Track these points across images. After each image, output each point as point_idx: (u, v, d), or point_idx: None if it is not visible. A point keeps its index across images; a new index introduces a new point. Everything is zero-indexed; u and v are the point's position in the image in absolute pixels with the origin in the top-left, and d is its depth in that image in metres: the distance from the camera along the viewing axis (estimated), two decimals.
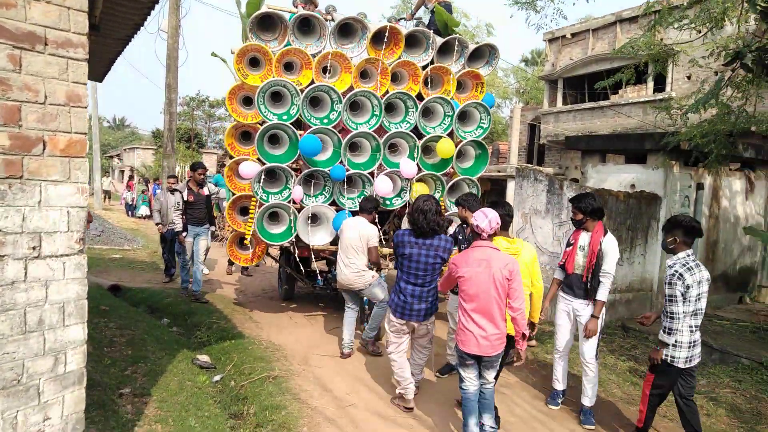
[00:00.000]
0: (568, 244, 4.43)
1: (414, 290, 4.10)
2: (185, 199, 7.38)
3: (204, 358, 5.29)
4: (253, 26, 5.80)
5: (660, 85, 14.76)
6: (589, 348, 4.26)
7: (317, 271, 6.49)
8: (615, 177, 7.80)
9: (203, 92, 43.55)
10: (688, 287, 3.55)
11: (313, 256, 6.26)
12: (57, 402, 2.53)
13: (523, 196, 7.44)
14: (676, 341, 3.65)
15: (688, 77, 13.63)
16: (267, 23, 5.97)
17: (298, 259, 6.36)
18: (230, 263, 9.58)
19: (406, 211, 6.27)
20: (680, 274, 3.58)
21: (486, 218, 3.52)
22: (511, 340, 3.74)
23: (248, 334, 5.98)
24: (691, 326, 3.64)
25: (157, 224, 8.67)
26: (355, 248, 5.22)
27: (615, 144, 7.97)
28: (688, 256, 3.68)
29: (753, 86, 4.94)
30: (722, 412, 4.60)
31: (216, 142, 43.57)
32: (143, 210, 20.56)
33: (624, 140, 8.15)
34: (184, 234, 7.38)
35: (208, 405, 4.18)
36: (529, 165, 16.87)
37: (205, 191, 7.59)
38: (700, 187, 7.40)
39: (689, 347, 3.66)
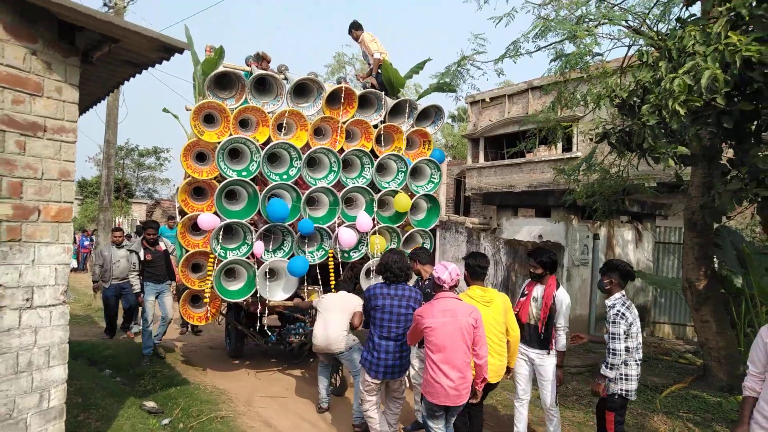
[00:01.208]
0: (522, 294, 4.52)
1: (388, 345, 4.11)
2: (143, 258, 7.23)
3: (151, 403, 5.54)
4: (210, 84, 5.92)
5: (569, 145, 16.53)
6: (550, 394, 4.40)
7: (268, 327, 6.35)
8: (526, 228, 8.86)
9: (132, 141, 42.55)
10: (630, 324, 3.82)
11: (265, 312, 6.22)
12: None
13: (446, 246, 8.30)
14: (627, 375, 3.88)
15: (591, 139, 15.41)
16: (224, 81, 6.15)
17: (248, 316, 6.41)
18: (183, 324, 9.17)
19: (365, 264, 6.64)
20: (622, 314, 3.84)
21: (446, 270, 3.63)
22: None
23: (193, 380, 6.29)
24: (636, 360, 3.90)
25: (94, 282, 8.33)
26: (341, 310, 5.20)
27: (524, 200, 9.11)
28: (623, 296, 3.97)
29: (618, 158, 6.09)
30: None
31: (145, 191, 42.67)
32: (71, 263, 19.81)
33: (531, 197, 9.31)
34: (142, 295, 7.21)
35: None
36: (456, 215, 18.09)
37: (162, 246, 7.47)
38: (596, 237, 8.58)
39: (637, 379, 3.94)
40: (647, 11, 6.72)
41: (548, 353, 4.39)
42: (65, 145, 3.02)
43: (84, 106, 5.01)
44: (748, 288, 6.61)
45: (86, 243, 19.36)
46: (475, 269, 4.07)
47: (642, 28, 6.81)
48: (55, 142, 2.97)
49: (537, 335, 4.39)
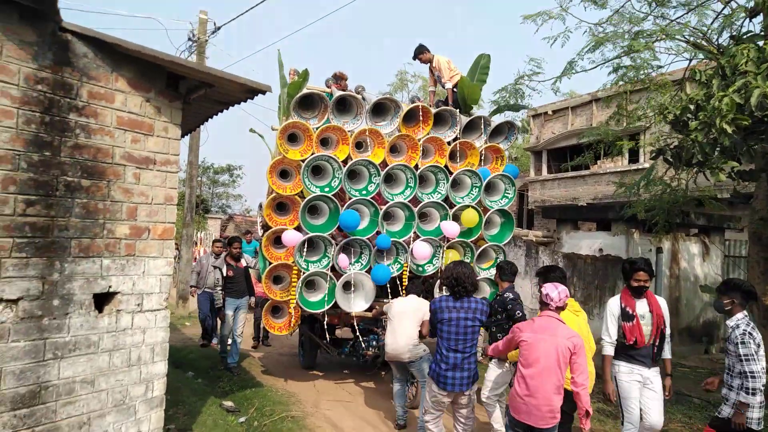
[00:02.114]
0: (628, 318, 4.14)
1: (456, 357, 4.06)
2: (225, 274, 7.52)
3: (229, 403, 6.12)
4: (296, 105, 6.22)
5: (635, 156, 16.16)
6: (661, 409, 4.14)
7: (342, 339, 6.61)
8: (586, 242, 8.89)
9: (208, 160, 44.90)
10: (759, 345, 3.62)
11: (339, 324, 6.42)
12: (146, 419, 3.46)
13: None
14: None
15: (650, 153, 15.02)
16: (307, 102, 6.45)
17: (325, 327, 6.67)
18: (255, 338, 9.52)
19: (438, 276, 6.53)
20: (749, 333, 3.64)
21: (556, 290, 3.60)
22: (565, 416, 3.75)
23: (266, 383, 6.84)
24: (762, 386, 3.63)
25: (192, 287, 8.94)
26: (410, 316, 5.20)
27: (584, 214, 9.13)
28: (746, 316, 3.76)
29: (676, 173, 6.09)
30: None
31: (219, 207, 45.06)
32: None
33: (591, 211, 9.31)
34: (223, 310, 7.54)
35: None
36: (518, 228, 18.04)
37: (242, 263, 7.71)
38: (659, 250, 8.47)
39: (761, 407, 3.65)
40: (706, 28, 6.70)
41: (658, 368, 4.22)
42: (170, 175, 3.59)
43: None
44: None
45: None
46: (556, 281, 3.88)
47: (703, 42, 6.81)
48: (162, 172, 3.54)
49: (653, 354, 4.14)
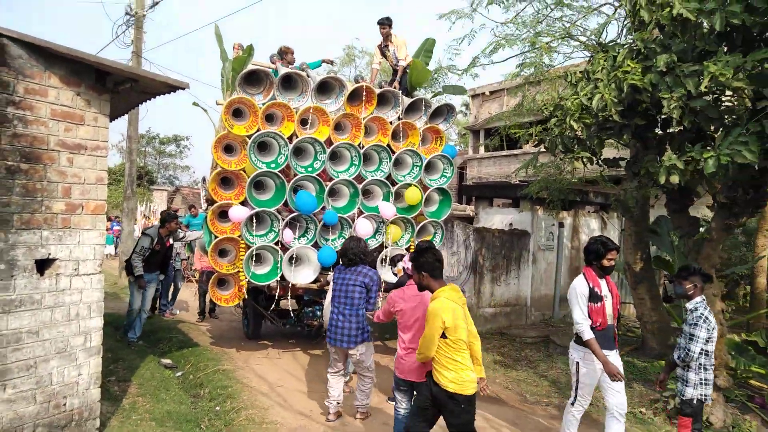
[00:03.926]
0: (596, 298, 4.00)
1: (340, 316, 4.67)
2: (153, 247, 7.35)
3: (167, 360, 6.79)
4: (241, 80, 6.29)
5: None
6: (624, 394, 4.12)
7: (290, 310, 6.84)
8: (499, 218, 9.88)
9: (154, 129, 43.90)
10: (713, 328, 3.91)
11: (287, 295, 6.61)
12: (86, 364, 4.10)
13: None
14: (706, 379, 3.94)
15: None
16: (252, 78, 6.50)
17: (267, 298, 7.03)
18: (200, 313, 9.61)
19: (381, 253, 6.96)
20: (705, 317, 3.91)
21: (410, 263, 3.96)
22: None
23: (202, 344, 7.52)
24: (712, 364, 3.97)
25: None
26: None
27: (497, 192, 10.11)
28: (704, 300, 4.05)
29: (559, 160, 7.06)
30: (546, 384, 6.52)
31: (165, 178, 44.39)
32: (108, 249, 18.85)
33: (503, 189, 10.30)
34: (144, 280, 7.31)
35: (174, 388, 5.75)
36: (457, 203, 19.08)
37: (170, 241, 7.86)
38: (561, 225, 9.56)
39: (704, 385, 3.98)
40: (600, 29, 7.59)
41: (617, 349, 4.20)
42: (100, 159, 4.16)
43: (111, 119, 6.15)
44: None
45: (116, 227, 19.84)
46: (434, 266, 3.58)
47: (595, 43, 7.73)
48: (93, 157, 4.11)
49: (614, 334, 4.14)
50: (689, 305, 4.05)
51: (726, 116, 4.87)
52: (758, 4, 4.15)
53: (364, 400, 5.04)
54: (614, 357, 4.07)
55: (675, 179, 4.57)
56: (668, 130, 5.64)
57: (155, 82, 4.14)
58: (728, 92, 4.88)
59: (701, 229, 6.12)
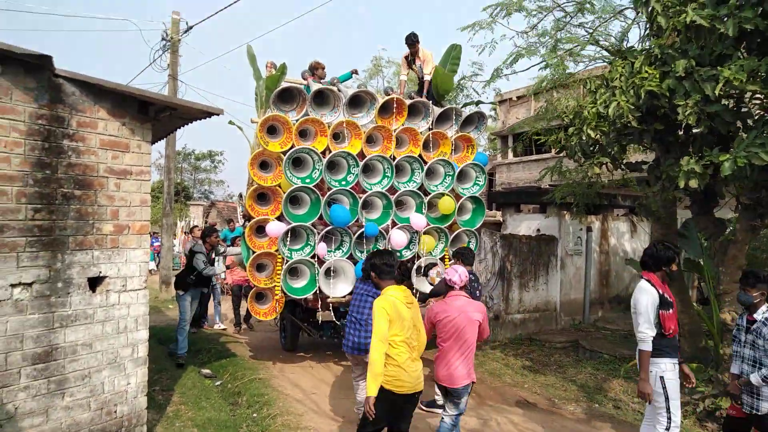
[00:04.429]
0: (668, 305, 3.84)
1: (354, 325, 4.80)
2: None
3: (206, 371, 7.12)
4: (275, 98, 6.45)
5: None
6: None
7: (322, 322, 6.74)
8: (526, 223, 9.94)
9: (189, 146, 45.21)
10: None
11: (321, 307, 6.57)
12: (134, 374, 4.42)
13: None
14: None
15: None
16: (285, 95, 6.67)
17: (305, 311, 7.01)
18: (237, 324, 9.83)
19: (417, 262, 7.01)
20: None
21: (456, 273, 4.20)
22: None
23: (240, 354, 7.84)
24: None
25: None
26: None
27: (523, 199, 10.17)
28: None
29: (579, 166, 7.11)
30: (574, 388, 6.57)
31: (201, 192, 45.66)
32: (150, 265, 18.70)
33: (530, 195, 10.35)
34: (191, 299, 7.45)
35: (214, 396, 6.05)
36: (488, 210, 19.12)
37: (213, 255, 7.83)
38: (589, 229, 9.56)
39: None
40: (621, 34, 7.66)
41: None
42: (144, 183, 4.50)
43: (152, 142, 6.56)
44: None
45: (155, 243, 20.23)
46: (383, 268, 3.89)
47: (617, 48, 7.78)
48: (138, 181, 4.45)
49: (678, 343, 4.01)
50: (758, 316, 3.90)
51: (744, 120, 4.89)
52: None
53: None
54: (676, 365, 3.94)
55: (694, 183, 4.63)
56: (690, 134, 5.67)
57: (192, 109, 4.46)
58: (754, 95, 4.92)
59: (727, 231, 6.09)
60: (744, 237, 5.59)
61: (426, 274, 6.24)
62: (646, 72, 5.05)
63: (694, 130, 5.17)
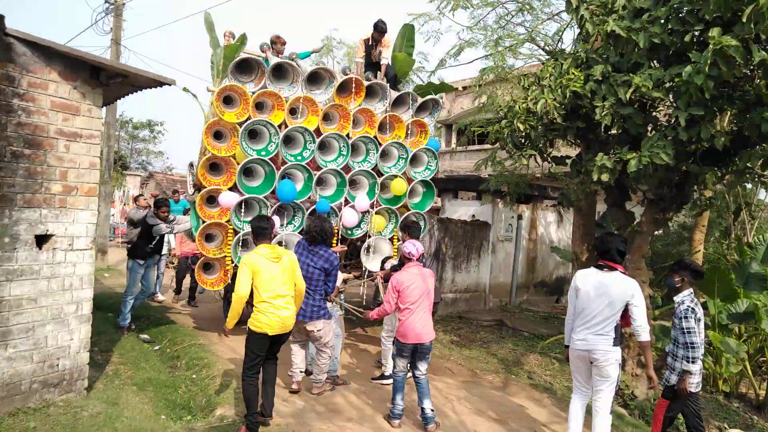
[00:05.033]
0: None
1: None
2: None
3: (145, 336, 7.23)
4: (233, 68, 6.42)
5: None
6: None
7: None
8: (463, 209, 10.52)
9: (127, 114, 43.38)
10: (699, 320, 4.14)
11: None
12: (77, 330, 4.57)
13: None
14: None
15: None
16: (243, 66, 6.63)
17: None
18: (179, 294, 9.85)
19: (366, 241, 7.22)
20: (692, 309, 4.18)
21: (414, 246, 4.89)
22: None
23: (179, 322, 7.98)
24: (702, 355, 4.16)
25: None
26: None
27: (463, 186, 10.74)
28: (692, 293, 4.28)
29: (510, 156, 7.68)
30: (495, 361, 7.19)
31: (139, 163, 43.92)
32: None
33: (469, 182, 10.94)
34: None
35: (153, 359, 6.22)
36: None
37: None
38: (520, 217, 10.25)
39: (699, 372, 4.22)
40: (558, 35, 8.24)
41: None
42: (93, 146, 4.60)
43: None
44: None
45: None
46: (258, 231, 4.50)
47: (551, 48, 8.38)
48: (87, 144, 4.55)
49: None
50: (677, 298, 4.34)
51: (653, 123, 5.54)
52: (675, 26, 4.80)
53: (319, 375, 5.39)
54: None
55: (605, 177, 5.22)
56: (608, 133, 6.31)
57: (144, 78, 4.59)
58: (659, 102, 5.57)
59: (634, 223, 6.82)
60: (648, 228, 6.30)
61: (382, 267, 6.65)
62: (573, 73, 5.59)
63: (612, 131, 5.78)
